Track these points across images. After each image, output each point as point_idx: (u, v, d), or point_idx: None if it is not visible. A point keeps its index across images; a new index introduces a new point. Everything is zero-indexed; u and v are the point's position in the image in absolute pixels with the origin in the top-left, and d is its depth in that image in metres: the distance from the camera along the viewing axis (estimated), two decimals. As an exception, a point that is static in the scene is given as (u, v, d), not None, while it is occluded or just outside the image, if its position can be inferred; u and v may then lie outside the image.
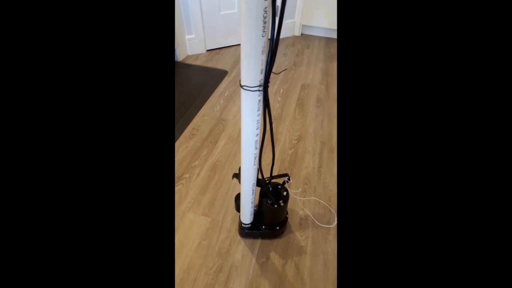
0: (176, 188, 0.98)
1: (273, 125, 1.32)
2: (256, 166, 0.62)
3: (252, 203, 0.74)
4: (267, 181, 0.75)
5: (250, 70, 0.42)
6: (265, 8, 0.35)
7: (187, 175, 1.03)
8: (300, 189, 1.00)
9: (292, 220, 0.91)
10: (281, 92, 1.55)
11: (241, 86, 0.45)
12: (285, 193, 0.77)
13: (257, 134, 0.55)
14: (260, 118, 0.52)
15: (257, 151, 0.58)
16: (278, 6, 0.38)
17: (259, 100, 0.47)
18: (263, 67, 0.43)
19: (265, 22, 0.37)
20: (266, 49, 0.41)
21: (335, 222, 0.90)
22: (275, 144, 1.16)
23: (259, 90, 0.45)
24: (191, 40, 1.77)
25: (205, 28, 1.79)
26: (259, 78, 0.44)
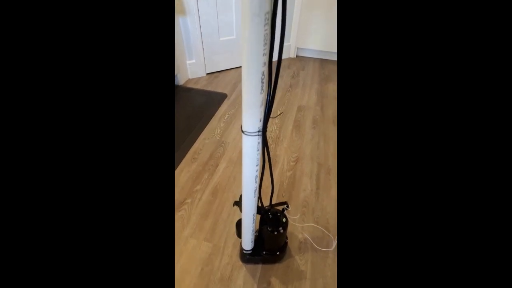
0: (179, 214, 1.00)
1: (271, 147, 1.36)
2: (257, 197, 0.65)
3: (252, 231, 0.76)
4: (267, 209, 0.77)
5: (250, 119, 0.46)
6: (263, 72, 0.39)
7: (189, 200, 1.05)
8: (299, 215, 1.02)
9: (292, 244, 0.92)
10: (278, 113, 1.60)
11: (242, 132, 0.49)
12: (284, 219, 0.79)
13: (257, 170, 0.58)
14: (260, 157, 0.55)
15: (257, 185, 0.62)
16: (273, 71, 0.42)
17: (259, 142, 0.51)
18: (261, 116, 0.47)
19: (262, 82, 0.41)
20: (265, 100, 0.45)
21: (334, 246, 0.92)
22: (274, 167, 1.19)
23: (258, 135, 0.49)
24: (192, 64, 1.84)
25: (205, 53, 1.86)
26: (258, 125, 0.48)
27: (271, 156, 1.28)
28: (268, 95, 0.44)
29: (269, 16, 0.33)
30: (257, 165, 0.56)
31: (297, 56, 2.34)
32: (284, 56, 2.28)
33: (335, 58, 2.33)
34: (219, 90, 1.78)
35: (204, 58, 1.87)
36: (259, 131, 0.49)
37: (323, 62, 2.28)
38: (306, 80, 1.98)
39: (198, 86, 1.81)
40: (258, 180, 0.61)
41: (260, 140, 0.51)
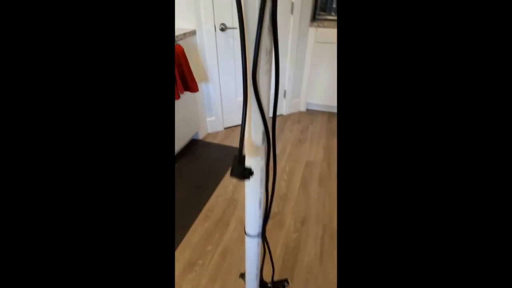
0: (190, 276, 1.05)
1: (280, 205, 1.41)
2: (259, 279, 0.71)
3: (255, 306, 0.79)
4: (270, 286, 0.81)
5: (251, 225, 0.55)
6: (260, 198, 0.49)
7: (200, 261, 1.10)
8: None
9: (295, 316, 0.93)
10: (286, 170, 1.67)
11: (245, 233, 0.57)
12: (285, 294, 0.82)
13: (258, 260, 0.65)
14: (261, 250, 0.62)
15: (258, 271, 0.67)
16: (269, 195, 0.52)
17: (258, 241, 0.59)
18: (260, 223, 0.55)
19: (260, 203, 0.50)
20: (263, 213, 0.54)
21: (336, 320, 0.91)
22: (281, 227, 1.23)
23: (258, 237, 0.57)
24: (211, 121, 2.02)
25: (224, 111, 2.05)
26: (258, 230, 0.56)
27: (278, 215, 1.33)
28: (266, 209, 0.53)
29: (264, 164, 0.44)
30: (257, 257, 0.63)
31: (307, 109, 2.48)
32: (294, 110, 2.43)
33: (342, 111, 2.44)
34: (235, 144, 1.92)
35: (222, 115, 2.05)
36: (259, 234, 0.57)
37: (331, 115, 2.40)
38: (314, 134, 2.08)
39: (216, 141, 1.96)
40: (259, 267, 0.67)
41: (260, 240, 0.58)
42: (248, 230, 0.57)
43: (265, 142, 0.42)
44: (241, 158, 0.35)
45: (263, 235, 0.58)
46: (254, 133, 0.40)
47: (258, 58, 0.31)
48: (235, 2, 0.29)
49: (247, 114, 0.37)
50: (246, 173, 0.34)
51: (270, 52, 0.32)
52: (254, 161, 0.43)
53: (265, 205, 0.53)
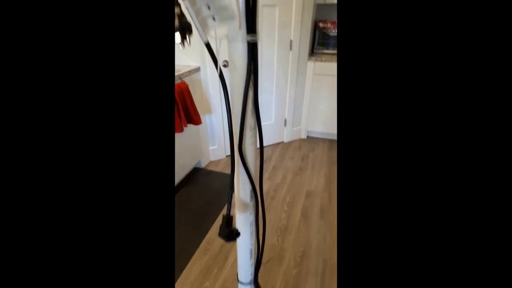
0: (186, 315, 1.03)
1: (279, 238, 1.40)
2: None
3: None
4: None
5: (243, 274, 0.56)
6: (251, 249, 0.50)
7: (197, 299, 1.08)
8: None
9: None
10: (287, 200, 1.67)
11: (238, 281, 0.58)
12: None
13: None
14: (254, 296, 0.62)
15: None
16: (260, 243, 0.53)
17: (252, 288, 0.59)
18: (253, 271, 0.56)
19: (251, 256, 0.51)
20: (254, 263, 0.55)
21: None
22: (280, 262, 1.20)
23: (250, 284, 0.58)
24: (214, 149, 2.07)
25: (226, 140, 2.10)
26: (249, 277, 0.57)
27: (278, 249, 1.31)
28: (257, 257, 0.54)
29: (253, 218, 0.46)
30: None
31: (307, 137, 2.53)
32: (295, 138, 2.48)
33: (343, 138, 2.46)
34: (236, 172, 1.94)
35: (224, 143, 2.10)
36: (251, 282, 0.57)
37: (332, 142, 2.43)
38: (315, 162, 2.09)
39: (218, 169, 1.99)
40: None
41: (253, 287, 0.59)
42: (240, 277, 0.58)
43: (253, 199, 0.45)
44: (229, 220, 0.37)
45: (255, 282, 0.59)
46: (243, 192, 0.43)
47: (243, 134, 0.35)
48: (222, 89, 0.33)
49: (234, 178, 0.40)
50: (233, 235, 0.37)
51: (254, 128, 0.36)
52: (243, 216, 0.45)
53: (256, 254, 0.54)
